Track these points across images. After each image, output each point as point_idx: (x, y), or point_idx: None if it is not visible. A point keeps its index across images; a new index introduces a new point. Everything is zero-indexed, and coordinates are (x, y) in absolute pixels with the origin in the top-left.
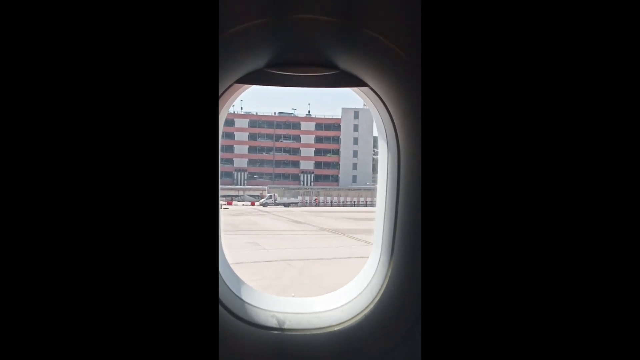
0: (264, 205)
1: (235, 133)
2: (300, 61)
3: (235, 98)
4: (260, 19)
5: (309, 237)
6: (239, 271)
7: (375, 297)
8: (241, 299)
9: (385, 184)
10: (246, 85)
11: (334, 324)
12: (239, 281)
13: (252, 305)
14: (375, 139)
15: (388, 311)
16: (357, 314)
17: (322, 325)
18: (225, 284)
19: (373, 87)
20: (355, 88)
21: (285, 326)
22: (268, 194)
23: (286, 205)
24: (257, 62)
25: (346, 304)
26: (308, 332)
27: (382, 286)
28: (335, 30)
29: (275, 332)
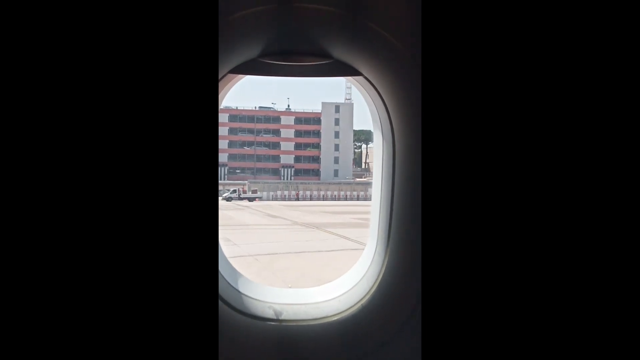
0: (228, 199)
1: None
2: (294, 50)
3: (229, 89)
4: (255, 7)
5: (282, 231)
6: None
7: (372, 287)
8: (238, 291)
9: (380, 173)
10: (240, 76)
11: (331, 314)
12: (235, 273)
13: (249, 297)
14: (355, 133)
15: (385, 301)
16: (355, 304)
17: (319, 316)
18: (222, 276)
19: (367, 77)
20: (350, 77)
21: (283, 317)
22: (232, 189)
23: (250, 199)
24: (250, 52)
25: (343, 294)
26: (305, 323)
27: (378, 276)
28: (331, 19)
29: (273, 323)
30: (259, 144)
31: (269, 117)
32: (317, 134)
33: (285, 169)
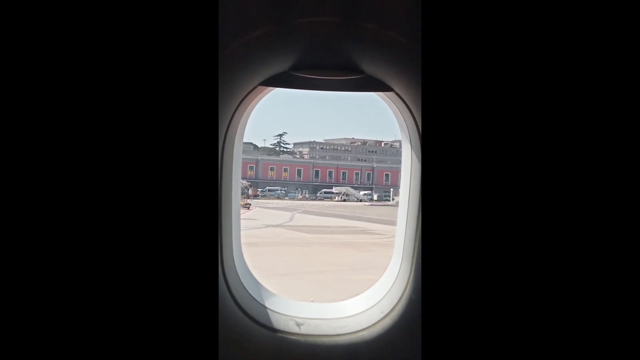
0: None
1: None
2: (326, 64)
3: (259, 100)
4: (286, 21)
5: None
6: None
7: (396, 304)
8: (261, 304)
9: (407, 189)
10: (269, 88)
11: (355, 329)
12: (258, 286)
13: (271, 310)
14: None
15: (408, 318)
16: (378, 320)
17: (343, 332)
18: (245, 289)
19: (398, 92)
20: (380, 93)
21: (306, 332)
22: None
23: None
24: (283, 65)
25: (367, 309)
26: (328, 339)
27: (402, 294)
28: (361, 34)
29: (295, 337)
30: None
31: None
32: None
33: None
